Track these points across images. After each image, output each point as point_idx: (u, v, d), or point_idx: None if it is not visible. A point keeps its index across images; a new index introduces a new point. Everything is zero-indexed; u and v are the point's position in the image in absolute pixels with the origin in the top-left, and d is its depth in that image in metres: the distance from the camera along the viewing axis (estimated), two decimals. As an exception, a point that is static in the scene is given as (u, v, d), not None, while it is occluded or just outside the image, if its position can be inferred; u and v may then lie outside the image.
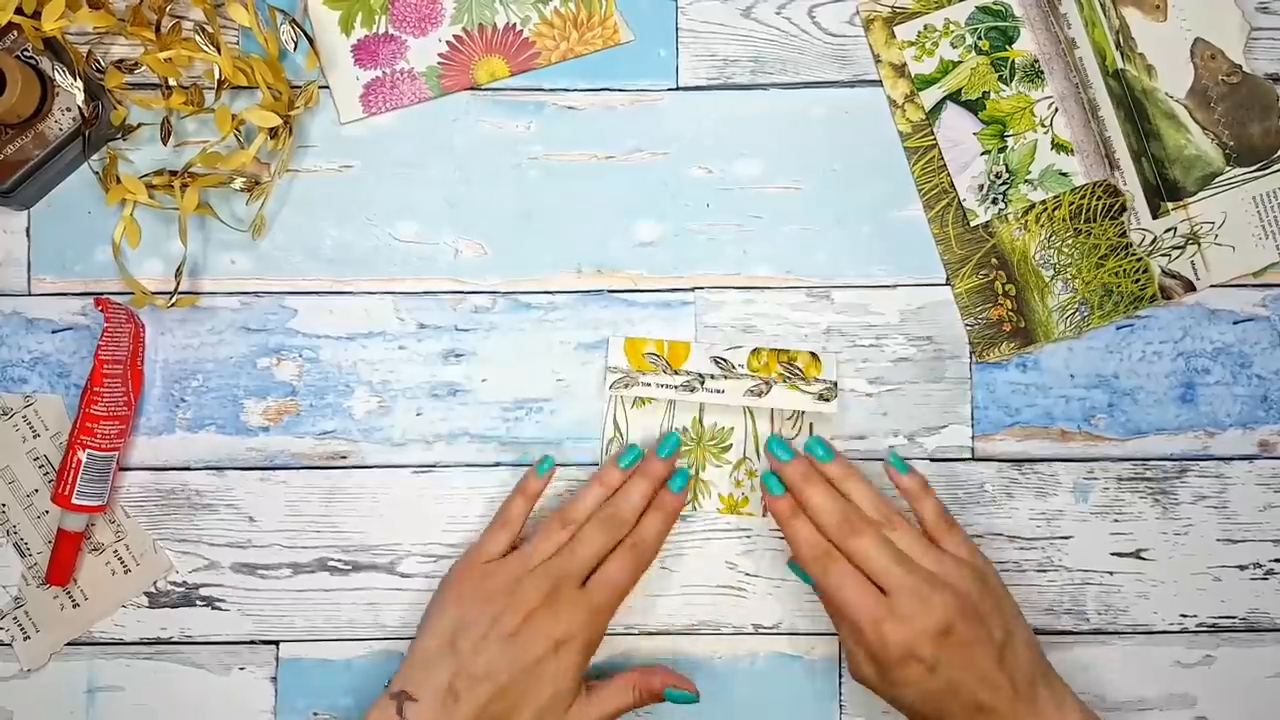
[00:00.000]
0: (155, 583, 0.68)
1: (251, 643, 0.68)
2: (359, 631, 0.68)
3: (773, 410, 0.69)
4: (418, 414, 0.69)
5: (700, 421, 0.69)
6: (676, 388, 0.68)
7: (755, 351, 0.68)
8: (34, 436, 0.68)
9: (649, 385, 0.68)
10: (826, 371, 0.68)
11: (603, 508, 0.65)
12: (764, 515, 0.69)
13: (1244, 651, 0.69)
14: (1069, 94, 0.70)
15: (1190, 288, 0.69)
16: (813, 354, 0.68)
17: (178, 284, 0.67)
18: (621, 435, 0.68)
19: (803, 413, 0.69)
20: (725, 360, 0.68)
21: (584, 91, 0.70)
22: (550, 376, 0.69)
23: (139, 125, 0.69)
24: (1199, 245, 0.69)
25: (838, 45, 0.70)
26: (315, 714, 0.68)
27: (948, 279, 0.70)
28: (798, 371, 0.68)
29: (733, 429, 0.69)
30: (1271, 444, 0.69)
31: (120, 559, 0.68)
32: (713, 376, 0.68)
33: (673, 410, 0.69)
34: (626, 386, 0.68)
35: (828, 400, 0.68)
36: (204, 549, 0.69)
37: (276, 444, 0.69)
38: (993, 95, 0.70)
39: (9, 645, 0.68)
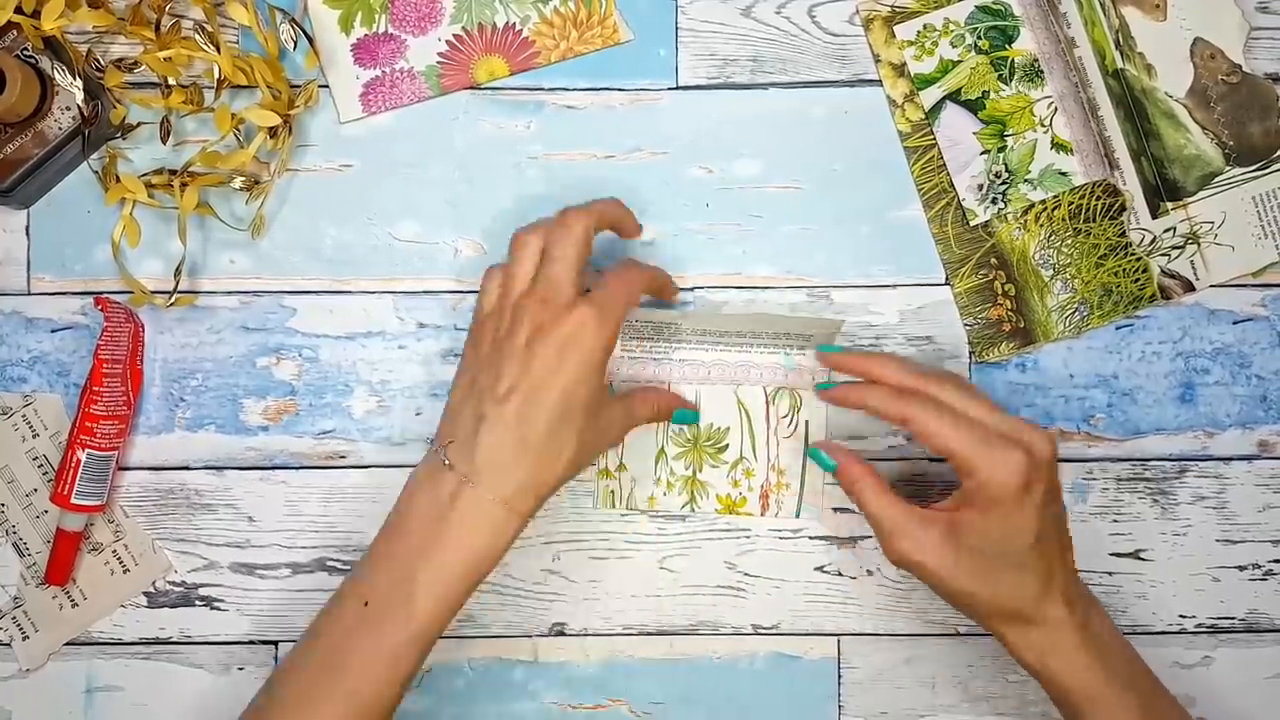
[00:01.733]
0: (154, 582, 0.68)
1: (250, 643, 0.68)
2: (358, 631, 0.68)
3: (768, 410, 0.69)
4: (417, 414, 0.69)
5: (695, 423, 0.69)
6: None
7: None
8: (33, 436, 0.68)
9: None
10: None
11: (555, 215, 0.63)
12: (762, 515, 0.69)
13: (1243, 652, 0.69)
14: (1068, 93, 0.70)
15: (1190, 288, 0.69)
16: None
17: (177, 283, 0.67)
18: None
19: (799, 405, 0.69)
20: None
21: (583, 91, 0.70)
22: (550, 376, 0.69)
23: (138, 124, 0.69)
24: (1198, 245, 0.69)
25: (837, 45, 0.70)
26: (314, 714, 0.68)
27: (947, 279, 0.70)
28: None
29: (728, 429, 0.69)
30: (1271, 444, 0.69)
31: (119, 559, 0.68)
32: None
33: None
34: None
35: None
36: (203, 549, 0.68)
37: (276, 443, 0.69)
38: (992, 95, 0.70)
39: (8, 645, 0.68)
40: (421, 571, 0.57)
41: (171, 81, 0.68)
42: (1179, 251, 0.69)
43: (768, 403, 0.68)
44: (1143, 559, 0.69)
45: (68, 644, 0.68)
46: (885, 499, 0.61)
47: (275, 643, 0.68)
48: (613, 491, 0.68)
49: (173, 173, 0.67)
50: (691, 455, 0.69)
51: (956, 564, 0.59)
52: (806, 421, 0.69)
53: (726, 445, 0.69)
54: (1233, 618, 0.69)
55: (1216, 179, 0.70)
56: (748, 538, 0.69)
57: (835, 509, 0.69)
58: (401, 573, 0.58)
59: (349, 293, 0.69)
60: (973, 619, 0.62)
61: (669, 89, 0.70)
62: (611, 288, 0.61)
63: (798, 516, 0.69)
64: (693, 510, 0.69)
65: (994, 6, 0.70)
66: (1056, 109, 0.70)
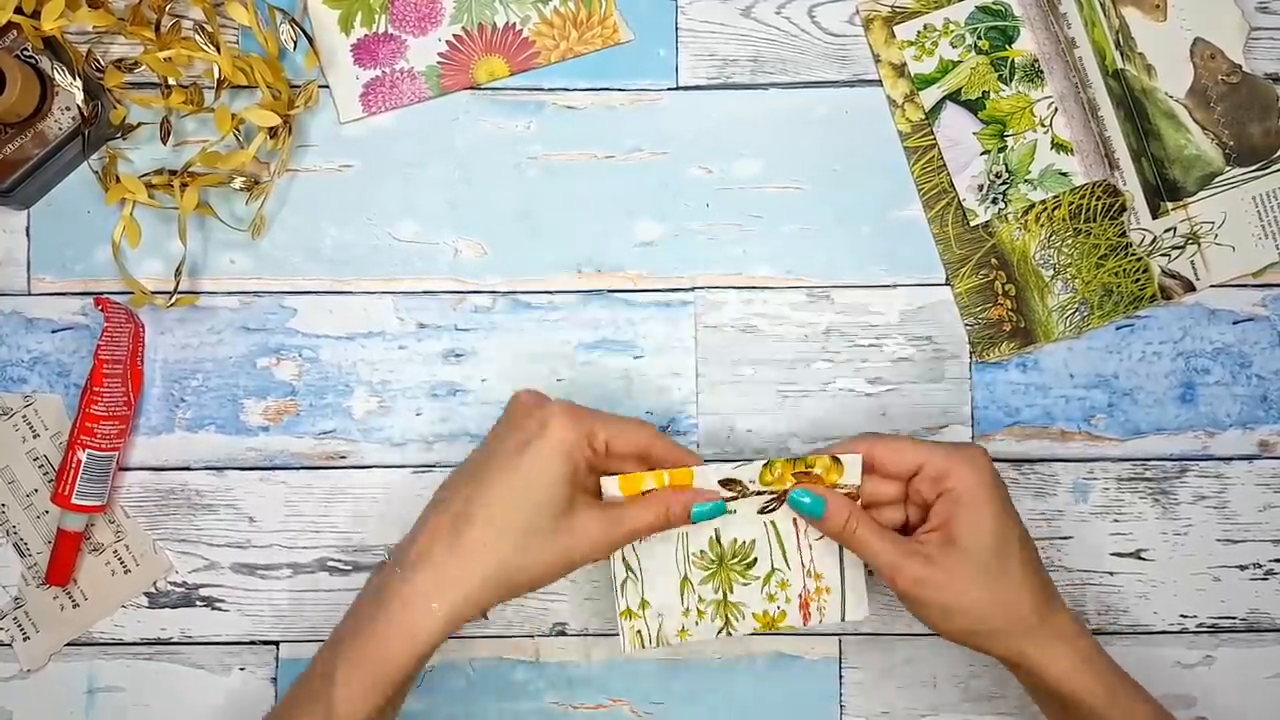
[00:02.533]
0: (155, 583, 0.68)
1: (251, 643, 0.68)
2: (359, 631, 0.68)
3: (795, 515, 0.62)
4: (417, 414, 0.69)
5: (718, 540, 0.62)
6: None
7: (768, 465, 0.60)
8: (34, 436, 0.68)
9: None
10: (849, 475, 0.60)
11: None
12: (805, 625, 0.63)
13: (1244, 652, 0.69)
14: (1069, 94, 0.70)
15: (1190, 288, 0.69)
16: (835, 459, 0.60)
17: (177, 284, 0.67)
18: (636, 574, 0.62)
19: None
20: (736, 481, 0.60)
21: (584, 91, 0.70)
22: (550, 377, 0.69)
23: (139, 124, 0.69)
24: (1199, 245, 0.69)
25: (838, 45, 0.70)
26: (315, 714, 0.68)
27: (948, 279, 0.70)
28: (815, 479, 0.60)
29: (754, 541, 0.62)
30: (1271, 444, 0.69)
31: (120, 559, 0.68)
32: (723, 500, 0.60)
33: (685, 534, 0.62)
34: None
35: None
36: (204, 549, 0.68)
37: (276, 444, 0.69)
38: (992, 95, 0.70)
39: (9, 645, 0.68)
40: (340, 666, 0.55)
41: (171, 82, 0.67)
42: (1179, 251, 0.69)
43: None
44: (1144, 559, 0.69)
45: (69, 644, 0.68)
46: (884, 537, 0.59)
47: (276, 643, 0.68)
48: (640, 632, 0.62)
49: (173, 173, 0.67)
50: (719, 577, 0.62)
51: (963, 576, 0.58)
52: None
53: (754, 560, 0.62)
54: (1233, 617, 0.69)
55: (1217, 179, 0.69)
56: (748, 538, 0.69)
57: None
58: (323, 667, 0.56)
59: (349, 293, 0.69)
60: (989, 644, 0.59)
61: (669, 89, 0.70)
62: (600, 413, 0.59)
63: (843, 620, 0.63)
64: (729, 634, 0.63)
65: (994, 7, 0.70)
66: (1057, 109, 0.70)
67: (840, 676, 0.69)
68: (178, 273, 0.67)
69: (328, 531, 0.69)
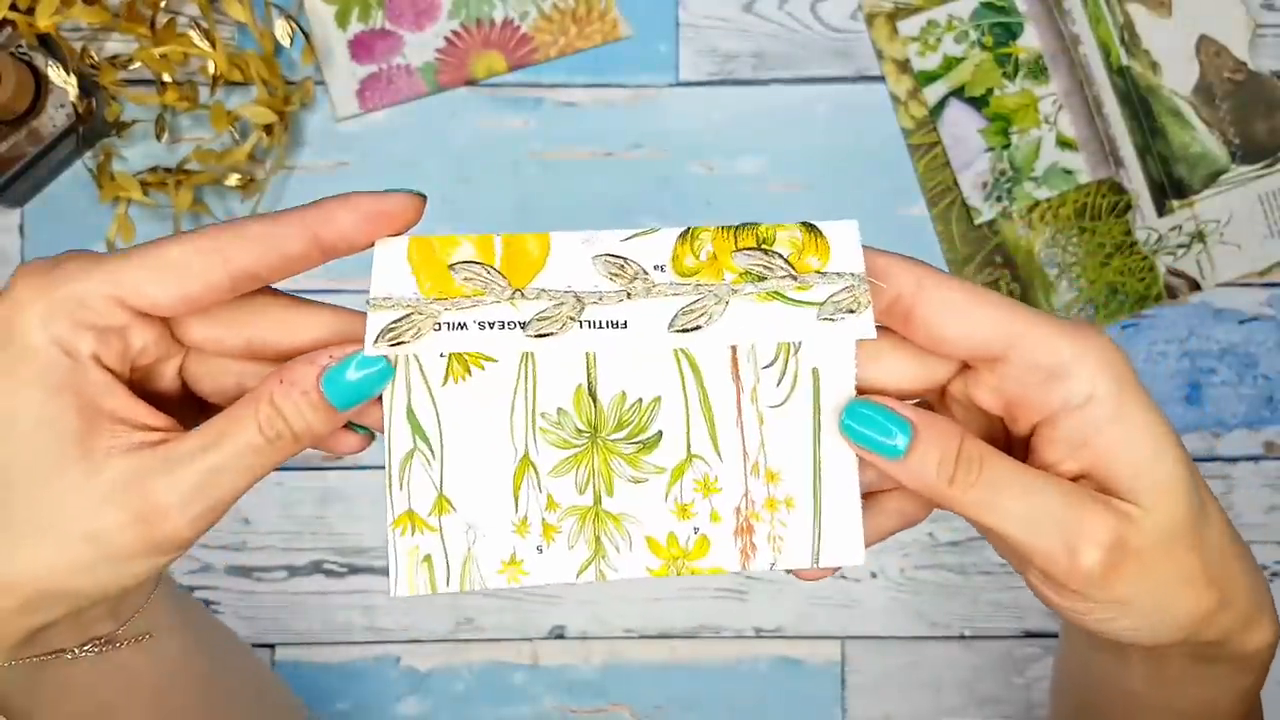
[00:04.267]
0: (149, 585, 0.68)
1: (246, 646, 0.68)
2: (355, 635, 0.68)
3: (735, 361, 0.35)
4: (415, 414, 0.68)
5: (592, 393, 0.35)
6: (525, 326, 0.34)
7: (687, 235, 0.36)
8: (26, 437, 0.67)
9: (463, 328, 0.34)
10: (840, 254, 0.36)
11: None
12: (743, 567, 0.35)
13: (1251, 654, 0.68)
14: (1073, 90, 0.69)
15: (1196, 287, 0.69)
16: (807, 226, 0.36)
17: (172, 282, 0.66)
18: (431, 445, 0.34)
19: (795, 346, 0.35)
20: (625, 261, 0.36)
21: (583, 87, 0.69)
22: (549, 376, 0.68)
23: (133, 122, 0.68)
24: (1204, 244, 0.69)
25: (840, 40, 0.69)
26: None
27: (951, 277, 0.69)
28: (779, 264, 0.35)
29: (659, 399, 0.35)
30: (1277, 445, 0.69)
31: (113, 561, 0.67)
32: (600, 297, 0.35)
33: (528, 374, 0.35)
34: (413, 336, 0.34)
35: (852, 311, 0.35)
36: (198, 551, 0.68)
37: (272, 444, 0.68)
38: (997, 92, 0.69)
39: (0, 648, 0.67)
40: None
41: (166, 78, 0.67)
42: (1185, 250, 0.69)
43: (734, 349, 0.35)
44: (1149, 561, 0.69)
45: (61, 648, 0.67)
46: (1042, 485, 0.33)
47: (273, 645, 0.68)
48: (429, 558, 0.35)
49: (168, 171, 0.66)
50: (589, 462, 0.35)
51: (1165, 550, 0.36)
52: (814, 371, 0.35)
53: (659, 435, 0.35)
54: (1240, 620, 0.68)
55: (1222, 177, 0.69)
56: (750, 539, 0.68)
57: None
58: None
59: (345, 291, 0.68)
60: (1215, 653, 0.39)
61: (670, 85, 0.69)
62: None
63: (816, 564, 0.36)
64: (599, 575, 0.35)
65: (998, 3, 0.69)
66: (1061, 106, 0.69)
67: (843, 680, 0.68)
68: (172, 271, 0.66)
69: (323, 533, 0.68)
